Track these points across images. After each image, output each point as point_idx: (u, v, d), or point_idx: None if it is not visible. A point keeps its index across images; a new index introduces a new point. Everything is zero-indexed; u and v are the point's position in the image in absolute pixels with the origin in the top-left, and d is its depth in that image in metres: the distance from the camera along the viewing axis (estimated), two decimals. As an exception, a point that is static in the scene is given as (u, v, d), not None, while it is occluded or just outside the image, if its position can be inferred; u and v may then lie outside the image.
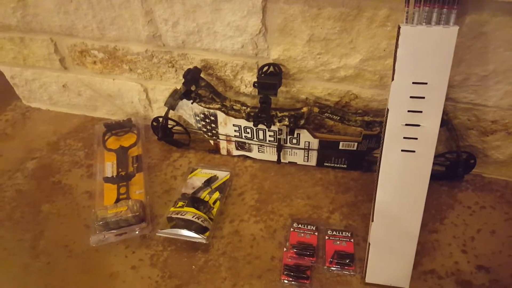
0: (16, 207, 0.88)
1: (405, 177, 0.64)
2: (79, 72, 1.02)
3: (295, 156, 0.92)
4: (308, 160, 0.92)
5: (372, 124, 0.81)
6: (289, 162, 0.94)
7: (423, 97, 0.60)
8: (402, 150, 0.63)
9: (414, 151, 0.63)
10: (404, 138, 0.62)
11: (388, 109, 0.62)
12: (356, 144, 0.84)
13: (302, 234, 0.80)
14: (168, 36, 0.85)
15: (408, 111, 0.61)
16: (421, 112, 0.61)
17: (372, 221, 0.68)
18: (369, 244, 0.70)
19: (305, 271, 0.73)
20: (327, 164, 0.91)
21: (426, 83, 0.59)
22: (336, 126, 0.90)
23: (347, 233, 0.80)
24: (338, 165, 0.91)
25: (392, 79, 0.60)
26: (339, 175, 0.91)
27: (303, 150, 0.89)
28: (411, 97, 0.60)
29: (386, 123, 0.63)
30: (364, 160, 0.89)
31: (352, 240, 0.79)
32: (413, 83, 0.60)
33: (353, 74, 0.77)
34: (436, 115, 0.61)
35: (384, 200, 0.67)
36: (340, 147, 0.86)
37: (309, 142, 0.87)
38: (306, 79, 0.82)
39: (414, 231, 0.66)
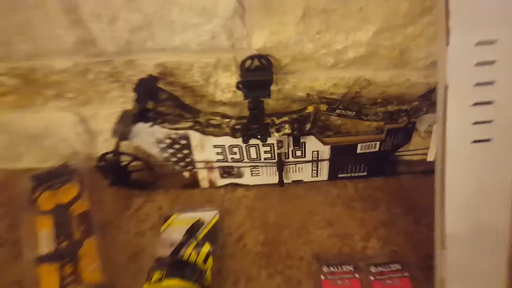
0: None
1: (482, 178, 0.47)
2: (-18, 111, 0.75)
3: (301, 173, 0.72)
4: (318, 174, 0.72)
5: (396, 115, 0.64)
6: (293, 182, 0.74)
7: (494, 61, 0.43)
8: (473, 142, 0.46)
9: (489, 140, 0.46)
10: (474, 123, 0.45)
11: (446, 86, 0.44)
12: (378, 143, 0.67)
13: (339, 282, 0.59)
14: (105, 38, 0.62)
15: (476, 84, 0.44)
16: (492, 83, 0.44)
17: (444, 248, 0.50)
18: (442, 279, 0.52)
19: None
20: (342, 175, 0.73)
21: (495, 41, 0.43)
22: (345, 125, 0.72)
23: (396, 265, 0.60)
24: (356, 174, 0.73)
25: (447, 43, 0.43)
26: (360, 186, 0.73)
27: (310, 163, 0.70)
28: (477, 64, 0.44)
29: (444, 107, 0.45)
30: (387, 162, 0.72)
31: (406, 274, 0.60)
32: (478, 43, 0.43)
33: (365, 53, 0.60)
34: (514, 84, 0.45)
35: (458, 218, 0.49)
36: (359, 151, 0.68)
37: (318, 151, 0.68)
38: (303, 70, 0.63)
39: (501, 256, 0.50)
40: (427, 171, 0.72)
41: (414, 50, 0.57)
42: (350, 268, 0.60)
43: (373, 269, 0.60)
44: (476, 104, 0.45)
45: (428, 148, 0.67)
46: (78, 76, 0.68)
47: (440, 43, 0.44)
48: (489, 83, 0.44)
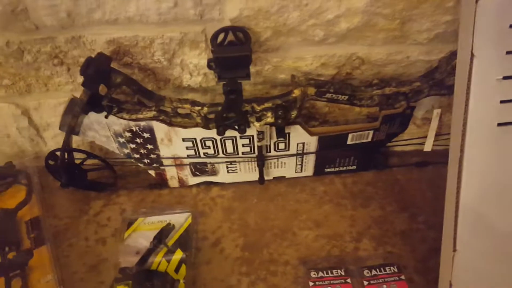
0: None
1: (506, 169, 0.36)
2: None
3: (283, 168, 0.59)
4: (302, 169, 0.60)
5: (393, 99, 0.52)
6: (275, 178, 0.61)
7: (533, 22, 0.32)
8: (499, 124, 0.35)
9: (519, 123, 0.35)
10: (502, 102, 0.34)
11: (472, 54, 0.33)
12: (371, 132, 0.55)
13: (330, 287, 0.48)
14: (39, 9, 0.46)
15: (508, 52, 0.33)
16: (529, 50, 0.33)
17: (455, 250, 0.39)
18: (451, 284, 0.41)
19: None
20: (329, 169, 0.60)
21: (537, -5, 0.32)
22: (332, 114, 0.60)
23: (392, 267, 0.50)
24: (344, 168, 0.60)
25: (477, -2, 0.32)
26: (349, 181, 0.61)
27: (294, 157, 0.58)
28: (512, 25, 0.32)
29: (468, 81, 0.34)
30: (379, 154, 0.61)
31: (402, 277, 0.49)
32: (515, -2, 0.32)
33: (360, 24, 0.47)
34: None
35: (473, 216, 0.38)
36: (349, 142, 0.56)
37: (303, 143, 0.55)
38: (287, 47, 0.50)
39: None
40: (421, 162, 0.61)
41: (417, 20, 0.45)
42: (341, 272, 0.50)
43: (366, 273, 0.50)
44: (506, 77, 0.33)
45: (424, 137, 0.56)
46: (12, 58, 0.51)
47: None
48: (526, 51, 0.33)
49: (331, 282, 0.49)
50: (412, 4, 0.44)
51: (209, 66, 0.45)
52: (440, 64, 0.49)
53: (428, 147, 0.56)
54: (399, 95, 0.51)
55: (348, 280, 0.49)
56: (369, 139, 0.56)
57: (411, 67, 0.52)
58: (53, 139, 0.62)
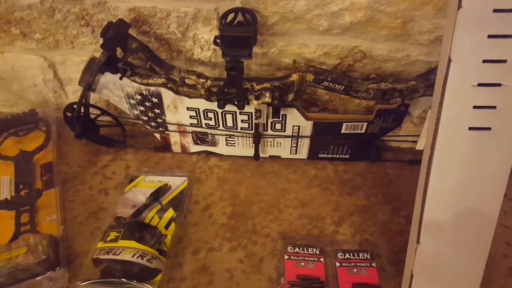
0: None
1: (474, 171, 0.39)
2: None
3: (279, 148, 0.64)
4: (297, 151, 0.64)
5: (389, 95, 0.55)
6: (270, 157, 0.66)
7: (511, 36, 0.35)
8: (470, 128, 0.38)
9: (489, 129, 0.38)
10: (475, 107, 0.37)
11: (450, 59, 0.36)
12: (365, 124, 0.58)
13: (302, 263, 0.53)
14: (71, -28, 0.53)
15: (484, 61, 0.36)
16: (505, 61, 0.35)
17: (418, 242, 0.43)
18: (412, 275, 0.45)
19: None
20: (322, 155, 0.65)
21: (517, 9, 0.34)
22: (333, 102, 0.63)
23: (365, 254, 0.54)
24: (338, 156, 0.65)
25: (459, 6, 0.34)
26: (340, 169, 0.65)
27: (290, 139, 0.62)
28: (490, 36, 0.35)
29: (444, 84, 0.37)
30: (372, 146, 0.64)
31: (374, 264, 0.53)
32: (495, 10, 0.34)
33: (363, 19, 0.50)
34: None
35: (439, 212, 0.42)
36: (343, 131, 0.60)
37: (299, 126, 0.60)
38: (292, 33, 0.54)
39: (482, 252, 0.43)
40: (415, 161, 0.64)
41: (419, 20, 0.48)
42: (316, 251, 0.54)
43: (340, 255, 0.54)
44: (481, 84, 0.36)
45: (419, 136, 0.59)
46: (45, 15, 0.58)
47: (450, 6, 0.35)
48: (502, 61, 0.35)
49: (305, 258, 0.53)
50: (415, 5, 0.47)
51: (215, 43, 0.50)
52: (436, 67, 0.52)
53: (420, 145, 0.58)
54: (395, 91, 0.54)
55: (321, 259, 0.53)
56: (363, 131, 0.59)
57: (411, 66, 0.54)
58: (74, 93, 0.70)
